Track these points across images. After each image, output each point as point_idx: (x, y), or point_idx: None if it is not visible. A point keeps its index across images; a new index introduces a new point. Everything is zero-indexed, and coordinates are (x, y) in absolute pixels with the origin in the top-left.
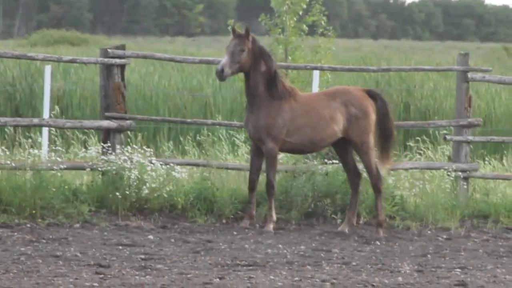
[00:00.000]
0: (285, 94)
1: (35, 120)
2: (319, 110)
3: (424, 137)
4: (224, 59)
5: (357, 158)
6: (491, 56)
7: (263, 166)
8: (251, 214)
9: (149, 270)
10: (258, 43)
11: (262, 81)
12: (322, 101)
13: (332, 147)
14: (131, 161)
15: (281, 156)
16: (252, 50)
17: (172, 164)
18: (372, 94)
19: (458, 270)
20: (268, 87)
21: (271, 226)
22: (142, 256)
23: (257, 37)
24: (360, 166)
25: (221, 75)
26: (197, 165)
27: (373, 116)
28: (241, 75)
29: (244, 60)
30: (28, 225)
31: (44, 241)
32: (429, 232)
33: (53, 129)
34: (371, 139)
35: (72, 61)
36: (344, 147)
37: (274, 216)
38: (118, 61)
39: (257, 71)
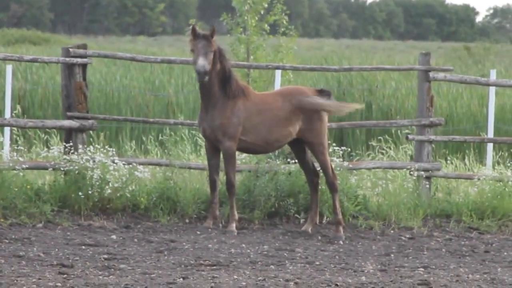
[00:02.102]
0: (239, 93)
1: None
2: (274, 111)
3: (387, 137)
4: (200, 60)
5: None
6: (452, 56)
7: (222, 165)
8: (214, 214)
9: (112, 270)
10: (217, 44)
11: (216, 80)
12: (277, 102)
13: (289, 146)
14: (94, 161)
15: (243, 156)
16: (215, 51)
17: (134, 164)
18: (324, 94)
19: (421, 269)
20: (223, 86)
21: (233, 226)
22: (105, 256)
23: (220, 37)
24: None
25: (204, 76)
26: (159, 164)
27: (326, 117)
28: None
29: (211, 61)
30: None
31: (6, 241)
32: (392, 231)
33: (15, 128)
34: (326, 139)
35: (33, 61)
36: (300, 146)
37: (236, 215)
38: (79, 60)
39: (213, 70)
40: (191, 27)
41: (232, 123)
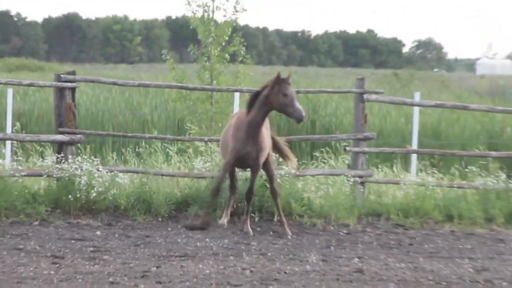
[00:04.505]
0: None
1: (0, 135)
2: None
3: (328, 149)
4: (302, 108)
5: None
6: (383, 81)
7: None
8: (228, 212)
9: (97, 260)
10: None
11: None
12: None
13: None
14: (81, 169)
15: (207, 164)
16: None
17: (115, 172)
18: None
19: (356, 259)
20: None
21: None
22: (91, 249)
23: (188, 64)
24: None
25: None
26: (136, 172)
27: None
28: (171, 94)
29: None
30: None
31: (8, 236)
32: (332, 228)
33: (15, 142)
34: (271, 151)
35: (30, 85)
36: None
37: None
38: (69, 84)
39: None
40: (288, 74)
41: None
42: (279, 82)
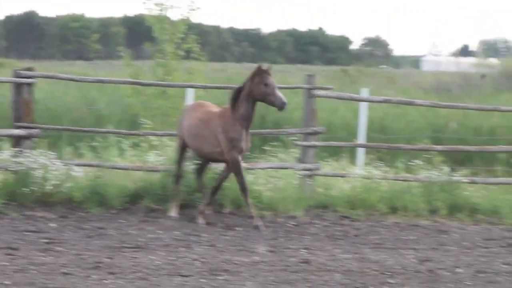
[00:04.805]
0: None
1: None
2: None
3: (278, 143)
4: (282, 95)
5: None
6: (332, 77)
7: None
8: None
9: (51, 252)
10: None
11: None
12: None
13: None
14: (37, 163)
15: (161, 158)
16: None
17: (71, 165)
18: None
19: (303, 250)
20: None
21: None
22: (46, 240)
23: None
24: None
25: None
26: (91, 165)
27: None
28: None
29: None
30: None
31: None
32: (280, 219)
33: None
34: None
35: None
36: None
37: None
38: (27, 80)
39: None
40: (266, 66)
41: None
42: (260, 73)
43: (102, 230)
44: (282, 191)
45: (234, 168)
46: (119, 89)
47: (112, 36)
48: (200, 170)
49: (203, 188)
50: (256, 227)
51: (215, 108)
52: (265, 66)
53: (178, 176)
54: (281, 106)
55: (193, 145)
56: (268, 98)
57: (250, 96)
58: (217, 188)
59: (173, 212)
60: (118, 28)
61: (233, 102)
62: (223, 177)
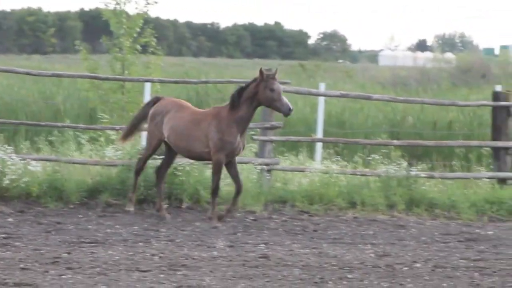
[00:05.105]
0: None
1: None
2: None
3: None
4: (288, 102)
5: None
6: (289, 71)
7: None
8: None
9: (9, 246)
10: None
11: None
12: None
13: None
14: None
15: (119, 152)
16: None
17: (28, 160)
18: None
19: (262, 245)
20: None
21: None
22: (3, 235)
23: (100, 55)
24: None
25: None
26: (49, 160)
27: None
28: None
29: None
30: None
31: None
32: (238, 214)
33: None
34: None
35: None
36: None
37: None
38: None
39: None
40: (274, 70)
41: None
42: (267, 78)
43: (60, 225)
44: None
45: (215, 168)
46: (76, 83)
47: (68, 30)
48: (162, 167)
49: (162, 184)
50: (215, 227)
51: (197, 108)
52: (271, 70)
53: (139, 171)
54: (287, 113)
55: (181, 146)
56: (274, 104)
57: (254, 100)
58: (240, 188)
59: (131, 207)
60: (75, 22)
61: (234, 103)
62: (235, 175)
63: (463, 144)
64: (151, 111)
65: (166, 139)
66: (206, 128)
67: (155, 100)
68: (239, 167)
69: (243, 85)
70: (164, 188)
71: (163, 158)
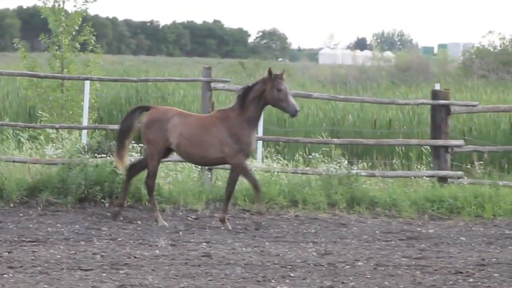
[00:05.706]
0: None
1: None
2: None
3: None
4: (295, 103)
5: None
6: (229, 70)
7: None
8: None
9: None
10: None
11: None
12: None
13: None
14: None
15: (59, 151)
16: None
17: None
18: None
19: (204, 244)
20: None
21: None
22: None
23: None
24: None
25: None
26: None
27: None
28: (22, 82)
29: None
30: None
31: None
32: (180, 213)
33: None
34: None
35: None
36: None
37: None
38: None
39: None
40: (282, 70)
41: None
42: (274, 78)
43: (1, 224)
44: (182, 185)
45: (241, 171)
46: (15, 81)
47: (6, 27)
48: (134, 171)
49: (128, 188)
50: (259, 224)
51: (199, 114)
52: (279, 71)
53: (152, 187)
54: (293, 113)
55: (193, 153)
56: (281, 104)
57: (261, 99)
58: (231, 193)
59: (163, 221)
60: (13, 20)
61: (242, 104)
62: (233, 180)
63: (403, 143)
64: (144, 119)
65: (173, 147)
66: (217, 134)
67: (141, 109)
68: (179, 165)
69: (248, 85)
70: (129, 189)
71: (140, 159)
